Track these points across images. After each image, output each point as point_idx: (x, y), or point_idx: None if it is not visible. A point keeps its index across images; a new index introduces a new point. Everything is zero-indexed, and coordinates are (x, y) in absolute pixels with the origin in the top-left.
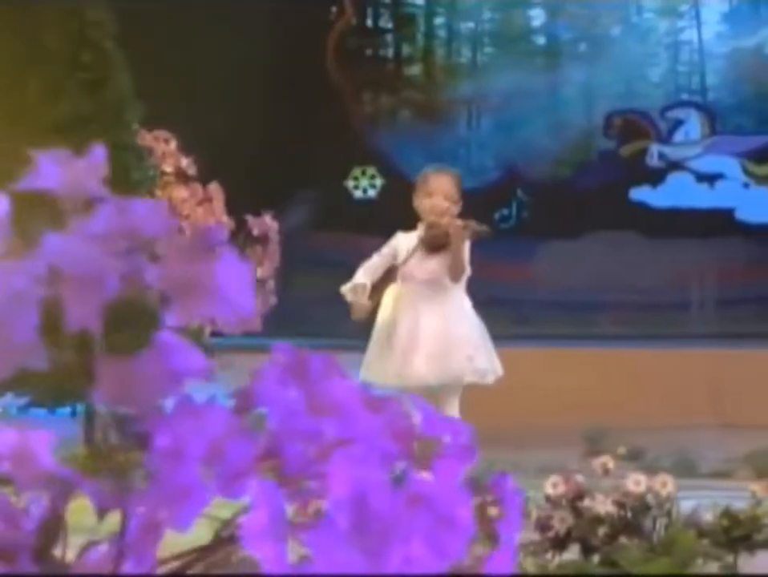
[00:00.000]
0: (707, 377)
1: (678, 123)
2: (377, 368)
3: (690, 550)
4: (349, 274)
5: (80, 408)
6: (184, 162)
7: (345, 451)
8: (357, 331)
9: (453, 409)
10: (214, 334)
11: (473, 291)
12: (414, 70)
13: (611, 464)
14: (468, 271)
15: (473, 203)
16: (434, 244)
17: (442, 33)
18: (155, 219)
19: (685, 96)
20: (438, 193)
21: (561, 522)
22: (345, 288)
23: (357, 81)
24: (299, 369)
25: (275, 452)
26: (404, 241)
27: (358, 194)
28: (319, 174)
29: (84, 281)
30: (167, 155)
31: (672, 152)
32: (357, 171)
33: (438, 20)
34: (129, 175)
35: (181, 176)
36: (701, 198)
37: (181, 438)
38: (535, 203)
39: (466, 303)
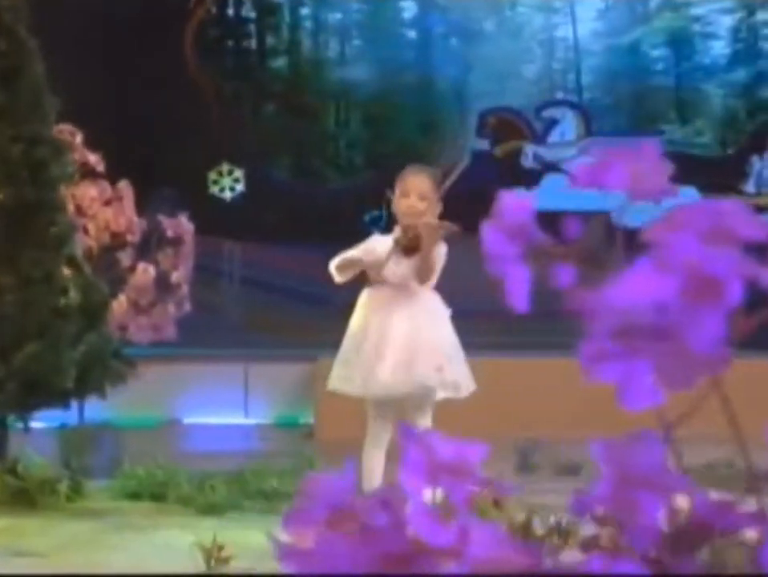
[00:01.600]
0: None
1: (553, 122)
2: (344, 375)
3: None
4: (213, 278)
5: None
6: (92, 158)
7: None
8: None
9: (426, 421)
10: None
11: (342, 297)
12: (279, 62)
13: None
14: (437, 273)
15: (342, 203)
16: (408, 247)
17: (308, 24)
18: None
19: (560, 95)
20: (413, 193)
21: (609, 540)
22: (338, 265)
23: (218, 74)
24: None
25: None
26: (380, 246)
27: (220, 194)
28: (177, 173)
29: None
30: (72, 149)
31: (547, 153)
32: (218, 170)
33: (305, 10)
34: (48, 171)
35: (88, 173)
36: (577, 200)
37: None
38: None
39: (442, 310)
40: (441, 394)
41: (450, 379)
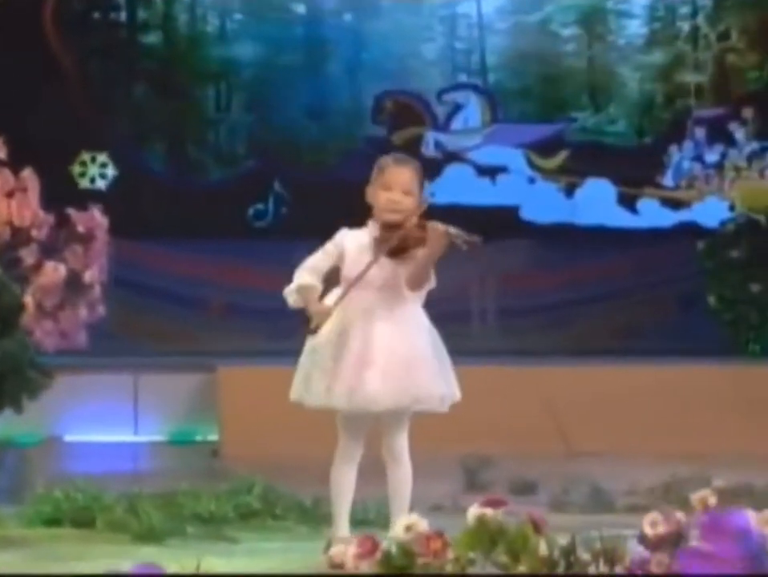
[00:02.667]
0: (540, 397)
1: (456, 107)
2: (319, 388)
3: None
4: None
5: None
6: None
7: None
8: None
9: (403, 443)
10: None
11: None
12: (152, 38)
13: (712, 499)
14: (433, 282)
15: (223, 197)
16: (394, 247)
17: None
18: None
19: (463, 78)
20: (396, 187)
21: (659, 565)
22: (289, 290)
23: (83, 50)
24: None
25: None
26: (351, 241)
27: (86, 184)
28: (40, 160)
29: None
30: None
31: (449, 141)
32: (84, 158)
33: None
34: None
35: None
36: (482, 193)
37: None
38: (294, 197)
39: (424, 318)
40: (424, 406)
41: (438, 392)
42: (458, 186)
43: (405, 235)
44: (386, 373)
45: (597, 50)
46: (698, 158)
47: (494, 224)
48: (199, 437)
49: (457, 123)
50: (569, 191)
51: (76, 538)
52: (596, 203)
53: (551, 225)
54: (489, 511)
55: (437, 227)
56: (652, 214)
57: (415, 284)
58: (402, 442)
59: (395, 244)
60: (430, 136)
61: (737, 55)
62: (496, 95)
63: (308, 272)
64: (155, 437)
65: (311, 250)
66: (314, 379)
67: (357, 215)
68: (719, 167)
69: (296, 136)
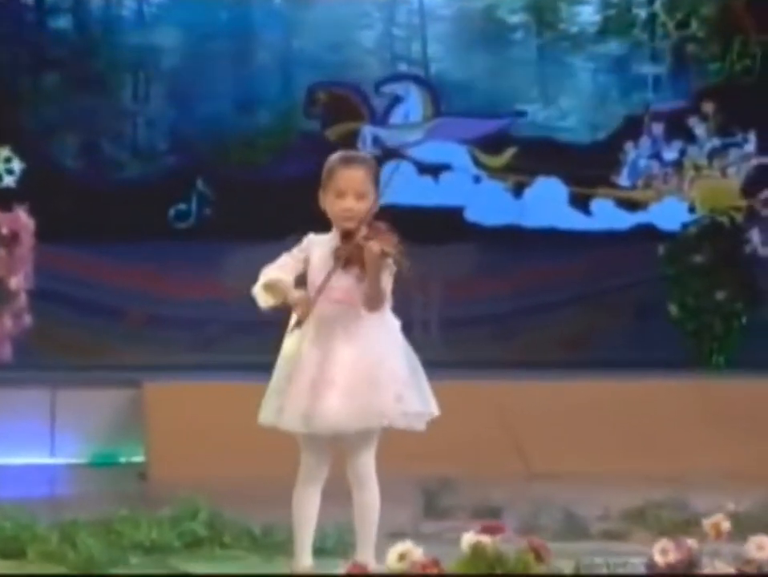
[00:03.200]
0: (495, 414)
1: (395, 100)
2: (276, 407)
3: None
4: None
5: None
6: None
7: None
8: None
9: (369, 464)
10: None
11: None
12: (63, 23)
13: (726, 525)
14: (389, 300)
15: (141, 196)
16: (346, 260)
17: None
18: None
19: (403, 68)
20: (348, 192)
21: None
22: (258, 289)
23: None
24: None
25: None
26: (317, 246)
27: None
28: None
29: None
30: None
31: (388, 136)
32: None
33: None
34: None
35: None
36: (424, 193)
37: None
38: (220, 197)
39: (393, 324)
40: (396, 424)
41: (412, 409)
42: (398, 185)
43: (352, 248)
44: (346, 391)
45: (547, 38)
46: (656, 155)
47: (436, 227)
48: (123, 459)
49: (396, 117)
50: (517, 190)
51: (5, 570)
52: (547, 203)
53: (498, 227)
54: (486, 538)
55: (371, 248)
56: (606, 215)
57: (368, 305)
58: (368, 464)
59: (346, 257)
60: (367, 131)
61: (697, 45)
62: (439, 87)
63: (275, 270)
64: (74, 459)
65: (238, 254)
66: (269, 398)
67: (289, 217)
68: (678, 165)
69: (221, 131)
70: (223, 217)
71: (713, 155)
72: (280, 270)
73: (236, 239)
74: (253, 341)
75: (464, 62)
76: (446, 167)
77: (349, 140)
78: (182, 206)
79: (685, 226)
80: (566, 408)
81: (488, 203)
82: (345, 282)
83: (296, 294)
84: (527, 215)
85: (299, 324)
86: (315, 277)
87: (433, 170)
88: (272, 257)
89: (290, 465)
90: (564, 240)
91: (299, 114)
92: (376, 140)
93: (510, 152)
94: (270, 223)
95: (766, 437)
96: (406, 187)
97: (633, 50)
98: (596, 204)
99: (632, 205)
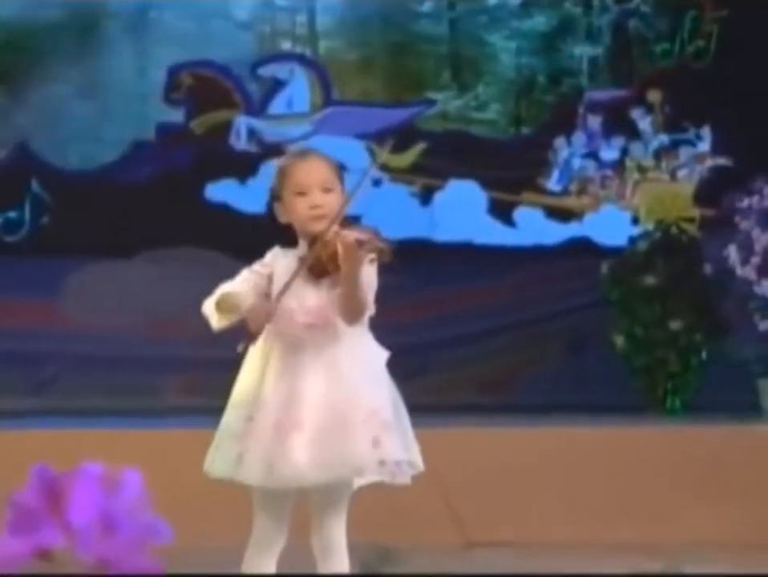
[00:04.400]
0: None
1: (276, 85)
2: (234, 456)
3: None
4: None
5: None
6: None
7: None
8: None
9: (339, 529)
10: None
11: None
12: None
13: None
14: (372, 308)
15: None
16: (312, 267)
17: None
18: None
19: (287, 45)
20: (314, 186)
21: None
22: (210, 307)
23: None
24: None
25: None
26: (283, 262)
27: None
28: None
29: None
30: None
31: (267, 130)
32: None
33: None
34: None
35: None
36: None
37: None
38: (59, 202)
39: (377, 353)
40: (371, 477)
41: (391, 457)
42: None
43: (319, 250)
44: (315, 436)
45: (461, 12)
46: (592, 154)
47: None
48: None
49: (277, 106)
50: (426, 196)
51: None
52: (461, 212)
53: (402, 242)
54: None
55: (345, 237)
56: (534, 227)
57: (345, 314)
58: (337, 528)
59: (312, 263)
60: (242, 123)
61: (641, 22)
62: (330, 69)
63: (232, 286)
64: None
65: (82, 272)
66: (223, 443)
67: (144, 226)
68: (619, 166)
69: (61, 121)
70: (62, 226)
71: (660, 153)
72: (238, 286)
73: (79, 253)
74: (102, 381)
75: (361, 39)
76: (340, 168)
77: (220, 134)
78: (12, 214)
79: (632, 240)
80: (495, 462)
81: (390, 211)
82: (314, 300)
83: (250, 305)
84: (437, 227)
85: (252, 338)
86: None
87: None
88: (123, 275)
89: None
90: (483, 257)
91: (157, 102)
92: (252, 134)
93: (416, 149)
94: (122, 234)
95: (733, 496)
96: None
97: (565, 27)
98: (520, 213)
99: (564, 215)
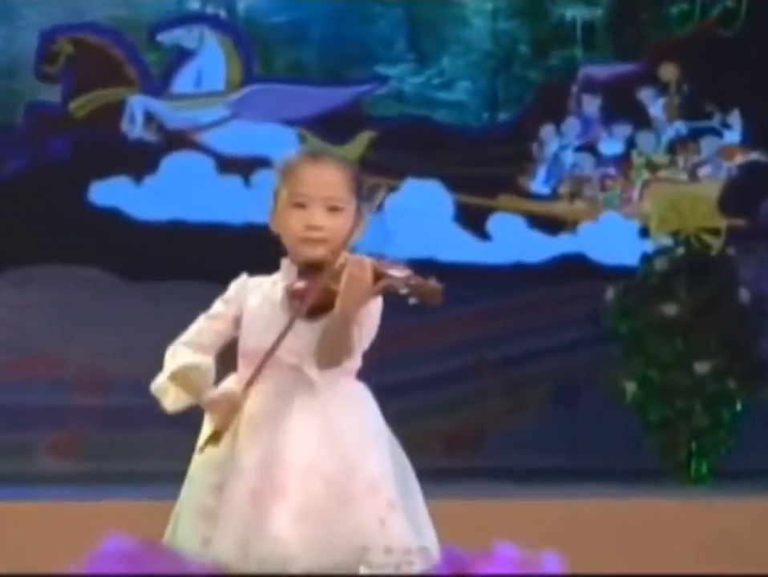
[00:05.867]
0: None
1: (181, 56)
2: (200, 536)
3: None
4: None
5: None
6: None
7: None
8: None
9: None
10: None
11: None
12: None
13: None
14: (358, 355)
15: None
16: (315, 304)
17: None
18: None
19: (194, 5)
20: (317, 201)
21: None
22: (160, 385)
23: None
24: None
25: None
26: (255, 294)
27: None
28: None
29: None
30: None
31: (170, 114)
32: None
33: None
34: None
35: None
36: (229, 204)
37: None
38: None
39: (373, 412)
40: (375, 561)
41: (399, 544)
42: (187, 191)
43: (328, 283)
44: (304, 509)
45: None
46: (589, 147)
47: (255, 255)
48: None
49: (183, 83)
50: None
51: None
52: (420, 221)
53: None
54: None
55: (361, 263)
56: (514, 241)
57: (325, 355)
58: None
59: (316, 300)
60: (137, 104)
61: None
62: (251, 36)
63: (187, 348)
64: None
65: None
66: (183, 521)
67: (11, 236)
68: (623, 162)
69: None
70: None
71: (676, 147)
72: (193, 348)
73: None
74: None
75: None
76: (262, 161)
77: (108, 118)
78: None
79: (646, 259)
80: (469, 539)
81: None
82: (303, 340)
83: (211, 395)
84: (389, 240)
85: (215, 437)
86: (253, 337)
87: (243, 166)
88: None
89: None
90: (448, 278)
91: (27, 76)
92: (151, 119)
93: (364, 138)
94: None
95: None
96: (201, 195)
97: None
98: (496, 222)
99: (553, 225)
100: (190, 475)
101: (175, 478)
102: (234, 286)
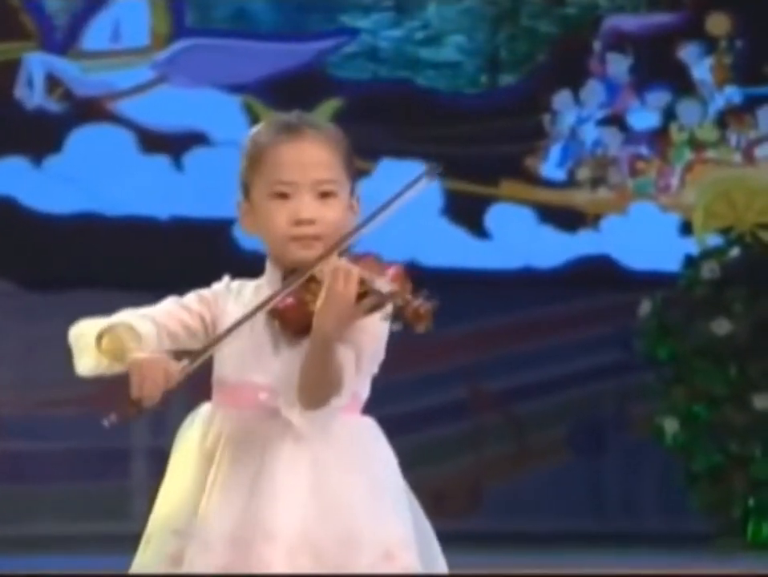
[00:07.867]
0: None
1: (94, 4)
2: (174, 562)
3: None
4: None
5: None
6: None
7: None
8: None
9: None
10: None
11: None
12: None
13: None
14: (363, 382)
15: None
16: (307, 319)
17: None
18: None
19: None
20: (304, 187)
21: None
22: (86, 332)
23: None
24: None
25: None
26: (236, 298)
27: None
28: None
29: None
30: None
31: (81, 77)
32: None
33: None
34: None
35: None
36: (156, 191)
37: None
38: None
39: (385, 461)
40: None
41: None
42: (101, 176)
43: (304, 295)
44: (295, 551)
45: None
46: (615, 119)
47: (186, 255)
48: None
49: (96, 38)
50: None
51: None
52: (399, 214)
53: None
54: None
55: (347, 274)
56: (520, 239)
57: (305, 391)
58: None
59: (293, 318)
60: (37, 64)
61: None
62: None
63: (134, 314)
64: None
65: None
66: (161, 565)
67: None
68: (660, 138)
69: None
70: None
71: (727, 119)
72: (144, 318)
73: None
74: None
75: None
76: (198, 138)
77: (1, 81)
78: None
79: (690, 263)
80: None
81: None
82: (292, 366)
83: (136, 355)
84: (362, 237)
85: (135, 409)
86: (228, 354)
87: (172, 144)
88: None
89: None
90: (437, 286)
91: None
92: (55, 83)
93: (328, 108)
94: None
95: None
96: (120, 179)
97: None
98: (498, 216)
99: (569, 219)
100: (147, 537)
101: (79, 543)
102: (215, 286)
